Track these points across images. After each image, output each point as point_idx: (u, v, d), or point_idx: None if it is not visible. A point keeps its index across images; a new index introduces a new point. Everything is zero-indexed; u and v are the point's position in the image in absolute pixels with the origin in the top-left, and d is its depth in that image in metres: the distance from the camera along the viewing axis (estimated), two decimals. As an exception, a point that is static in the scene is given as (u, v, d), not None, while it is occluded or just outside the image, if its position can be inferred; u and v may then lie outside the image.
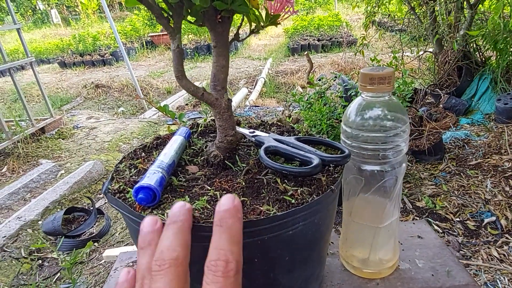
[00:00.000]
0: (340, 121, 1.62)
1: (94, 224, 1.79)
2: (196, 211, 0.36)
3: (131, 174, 0.44)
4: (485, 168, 1.83)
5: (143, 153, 0.50)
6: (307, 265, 0.43)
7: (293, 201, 0.37)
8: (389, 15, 3.16)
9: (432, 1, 2.69)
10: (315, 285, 0.48)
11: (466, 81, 2.65)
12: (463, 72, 2.64)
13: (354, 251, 0.52)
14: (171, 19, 0.39)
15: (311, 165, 0.39)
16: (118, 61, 7.12)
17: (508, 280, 1.22)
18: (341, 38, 6.60)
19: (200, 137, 0.55)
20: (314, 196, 0.38)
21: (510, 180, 1.69)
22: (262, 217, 0.35)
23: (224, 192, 0.40)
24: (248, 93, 4.41)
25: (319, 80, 1.89)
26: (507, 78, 2.44)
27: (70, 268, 0.87)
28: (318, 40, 6.68)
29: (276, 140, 0.47)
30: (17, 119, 3.01)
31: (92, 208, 1.85)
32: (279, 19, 0.44)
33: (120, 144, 2.81)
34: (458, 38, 2.55)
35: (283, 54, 6.56)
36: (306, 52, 2.29)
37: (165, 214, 0.36)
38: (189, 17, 0.41)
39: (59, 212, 1.80)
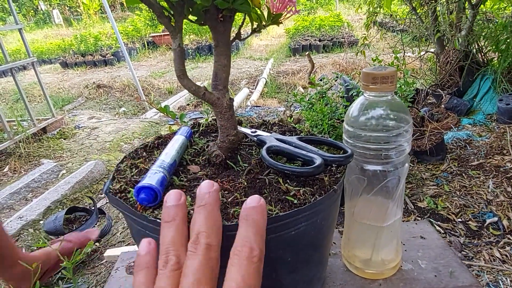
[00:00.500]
0: (342, 121, 1.61)
1: (96, 224, 1.79)
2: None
3: (132, 174, 0.44)
4: (487, 168, 1.82)
5: (144, 153, 0.50)
6: (310, 266, 0.43)
7: (295, 201, 0.37)
8: (391, 15, 3.16)
9: (433, 1, 2.68)
10: (317, 286, 0.48)
11: (467, 82, 2.64)
12: (464, 73, 2.63)
13: (357, 252, 0.52)
14: (172, 18, 0.39)
15: (314, 165, 0.39)
16: (119, 61, 7.13)
17: (511, 281, 1.21)
18: (342, 38, 6.59)
19: (201, 137, 0.55)
20: (317, 196, 0.37)
21: (512, 181, 1.68)
22: (264, 217, 0.34)
23: (226, 192, 0.40)
24: (250, 94, 4.41)
25: (321, 80, 1.88)
26: (509, 78, 2.43)
27: (71, 267, 0.87)
28: (320, 40, 6.67)
29: (278, 139, 0.47)
30: (18, 119, 3.01)
31: (93, 208, 1.85)
32: (281, 18, 0.44)
33: (121, 144, 2.82)
34: (459, 37, 2.54)
35: (284, 54, 6.55)
36: (307, 53, 2.28)
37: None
38: (190, 16, 0.41)
39: (61, 211, 1.80)
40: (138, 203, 0.38)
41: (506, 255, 1.32)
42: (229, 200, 0.38)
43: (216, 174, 0.44)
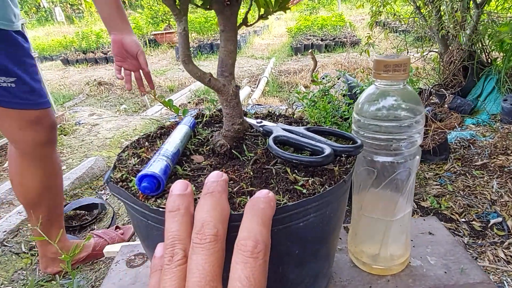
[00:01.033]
0: (345, 119, 1.59)
1: (96, 219, 1.78)
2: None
3: (134, 163, 0.43)
4: (491, 168, 1.80)
5: (146, 143, 0.49)
6: (317, 260, 0.41)
7: (304, 191, 0.35)
8: (394, 14, 3.13)
9: (438, 0, 2.67)
10: (323, 281, 0.46)
11: (471, 81, 2.62)
12: (468, 72, 2.61)
13: (364, 247, 0.50)
14: (177, 0, 0.38)
15: (323, 155, 0.38)
16: (121, 59, 7.11)
17: (515, 282, 1.20)
18: (344, 38, 6.57)
19: (205, 127, 0.54)
20: (327, 187, 0.36)
21: (516, 181, 1.66)
22: (272, 207, 0.33)
23: (231, 182, 0.38)
24: (251, 92, 4.39)
25: (323, 78, 1.87)
26: (514, 78, 2.42)
27: (69, 261, 0.85)
28: (322, 40, 6.65)
29: (284, 130, 0.45)
30: (19, 115, 2.99)
31: (99, 203, 1.84)
32: (288, 4, 0.43)
33: (122, 141, 2.80)
34: (464, 35, 2.52)
35: (286, 53, 6.53)
36: (310, 50, 2.27)
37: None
38: (196, 0, 0.39)
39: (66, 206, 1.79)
40: (140, 192, 0.36)
41: (511, 256, 1.30)
42: (234, 190, 0.36)
43: (221, 164, 0.43)
